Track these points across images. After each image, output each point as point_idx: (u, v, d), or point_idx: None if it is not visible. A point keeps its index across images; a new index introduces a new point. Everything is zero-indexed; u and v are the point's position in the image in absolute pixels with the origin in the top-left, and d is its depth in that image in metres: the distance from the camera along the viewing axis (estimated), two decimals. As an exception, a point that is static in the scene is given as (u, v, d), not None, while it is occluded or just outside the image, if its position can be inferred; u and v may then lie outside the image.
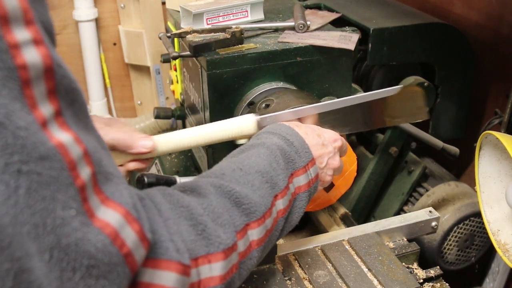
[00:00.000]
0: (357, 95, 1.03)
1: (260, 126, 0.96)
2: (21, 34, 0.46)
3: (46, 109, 0.47)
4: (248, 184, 0.74)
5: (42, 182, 0.46)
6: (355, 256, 0.99)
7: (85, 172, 0.49)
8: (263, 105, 1.10)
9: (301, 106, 1.04)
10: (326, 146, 0.90)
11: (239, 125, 0.95)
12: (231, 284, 0.69)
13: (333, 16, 1.37)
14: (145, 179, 0.99)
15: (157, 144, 0.92)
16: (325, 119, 1.00)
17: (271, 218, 0.76)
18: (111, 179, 0.53)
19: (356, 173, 1.09)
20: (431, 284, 1.01)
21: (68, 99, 0.50)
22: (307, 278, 0.94)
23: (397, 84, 1.39)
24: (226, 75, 1.12)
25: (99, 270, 0.49)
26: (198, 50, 1.12)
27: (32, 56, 0.46)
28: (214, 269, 0.65)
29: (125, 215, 0.53)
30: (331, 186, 1.08)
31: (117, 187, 0.53)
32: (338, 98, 1.23)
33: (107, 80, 2.33)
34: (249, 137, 0.95)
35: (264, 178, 0.77)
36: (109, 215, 0.51)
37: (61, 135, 0.48)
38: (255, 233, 0.73)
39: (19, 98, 0.45)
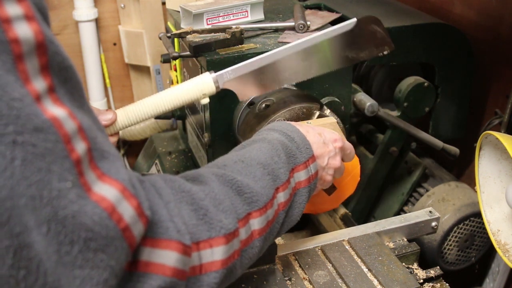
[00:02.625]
0: (313, 35, 1.01)
1: (218, 83, 0.95)
2: (12, 9, 0.46)
3: (39, 84, 0.48)
4: (250, 175, 0.75)
5: (37, 154, 0.46)
6: (355, 256, 0.99)
7: (80, 147, 0.49)
8: (263, 105, 1.10)
9: (302, 103, 1.04)
10: (327, 145, 0.90)
11: (197, 84, 0.94)
12: (232, 270, 0.69)
13: (333, 16, 1.37)
14: (145, 179, 0.98)
15: (118, 115, 0.91)
16: (286, 65, 0.99)
17: (272, 209, 0.76)
18: (107, 157, 0.53)
19: (359, 178, 1.08)
20: (431, 284, 1.01)
21: (62, 76, 0.51)
22: (307, 278, 0.94)
23: (396, 85, 1.39)
24: (226, 75, 1.12)
25: (96, 243, 0.49)
26: (198, 50, 1.12)
27: (24, 31, 0.46)
28: (215, 254, 0.65)
29: (122, 191, 0.53)
30: (333, 189, 1.07)
31: (113, 164, 0.53)
32: (338, 98, 1.23)
33: (107, 80, 2.33)
34: (209, 95, 0.95)
35: (266, 170, 0.77)
36: (105, 190, 0.51)
37: (55, 110, 0.48)
38: (256, 223, 0.73)
39: (13, 71, 0.46)
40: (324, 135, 0.91)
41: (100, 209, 0.50)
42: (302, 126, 0.90)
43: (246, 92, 0.99)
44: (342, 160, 0.95)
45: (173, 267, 0.59)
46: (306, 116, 1.07)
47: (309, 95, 1.14)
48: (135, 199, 0.54)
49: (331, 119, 1.05)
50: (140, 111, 0.93)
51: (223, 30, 1.16)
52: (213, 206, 0.67)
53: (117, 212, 0.51)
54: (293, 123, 0.92)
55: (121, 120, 0.91)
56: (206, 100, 0.95)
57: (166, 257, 0.58)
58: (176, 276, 0.59)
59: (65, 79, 0.51)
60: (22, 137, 0.45)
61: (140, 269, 0.57)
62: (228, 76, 0.96)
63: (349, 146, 0.96)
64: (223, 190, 0.70)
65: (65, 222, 0.47)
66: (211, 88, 0.94)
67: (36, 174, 0.46)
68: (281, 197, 0.79)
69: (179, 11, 1.31)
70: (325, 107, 1.11)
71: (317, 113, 1.07)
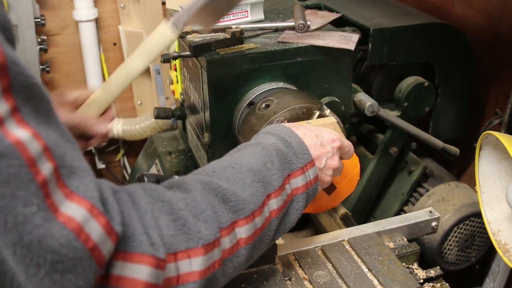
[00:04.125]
0: None
1: (177, 27, 0.94)
2: None
3: (2, 107, 0.48)
4: (238, 182, 0.74)
5: (1, 180, 0.46)
6: (355, 256, 0.99)
7: (46, 168, 0.50)
8: (263, 105, 1.10)
9: (301, 104, 1.04)
10: (325, 146, 0.89)
11: (157, 38, 0.94)
12: (213, 280, 0.69)
13: (333, 16, 1.37)
14: (145, 179, 0.99)
15: (97, 92, 0.96)
16: None
17: (262, 217, 0.75)
18: (76, 173, 0.53)
19: (359, 177, 1.08)
20: (431, 284, 1.01)
21: (25, 95, 0.50)
22: (307, 278, 0.94)
23: (396, 85, 1.39)
24: (226, 75, 1.12)
25: (64, 265, 0.49)
26: (198, 50, 1.12)
27: None
28: (193, 264, 0.64)
29: (90, 209, 0.53)
30: (332, 188, 1.07)
31: (82, 181, 0.53)
32: (338, 98, 1.23)
33: (107, 80, 2.33)
34: (172, 43, 0.96)
35: (256, 177, 0.76)
36: (73, 210, 0.51)
37: (19, 132, 0.48)
38: (243, 231, 0.72)
39: None
40: (321, 136, 0.90)
41: (67, 231, 0.50)
42: (299, 128, 0.89)
43: (209, 22, 0.98)
44: (341, 158, 0.95)
45: (145, 282, 0.58)
46: (306, 116, 1.07)
47: (309, 95, 1.14)
48: (104, 217, 0.54)
49: (331, 119, 1.05)
50: (111, 88, 0.96)
51: (223, 30, 1.16)
52: (192, 216, 0.66)
53: (84, 232, 0.51)
54: (290, 124, 0.91)
55: (101, 95, 0.97)
56: (172, 48, 0.97)
57: (138, 272, 0.58)
58: None
59: (29, 97, 0.51)
60: None
61: (111, 283, 0.57)
62: (185, 18, 0.94)
63: (347, 144, 0.95)
64: (206, 198, 0.69)
65: (31, 246, 0.47)
66: (171, 36, 0.94)
67: (0, 201, 0.46)
68: (274, 204, 0.78)
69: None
70: (325, 106, 1.11)
71: (317, 113, 1.07)
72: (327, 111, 1.10)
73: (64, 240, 0.49)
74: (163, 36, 0.94)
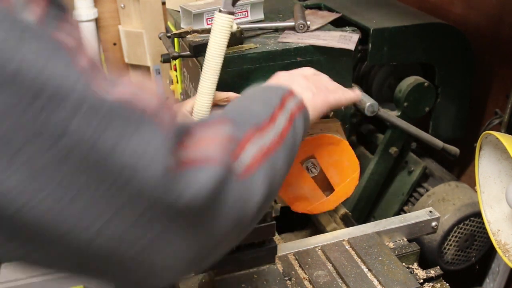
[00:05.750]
0: None
1: (227, 8, 0.96)
2: None
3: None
4: (245, 102, 0.77)
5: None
6: (355, 256, 0.99)
7: (82, 60, 0.50)
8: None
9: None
10: (291, 73, 0.91)
11: (219, 26, 0.96)
12: (275, 161, 0.69)
13: (333, 16, 1.37)
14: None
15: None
16: None
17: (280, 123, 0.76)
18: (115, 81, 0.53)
19: (358, 182, 1.08)
20: (431, 284, 1.01)
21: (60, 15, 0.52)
22: (307, 278, 0.94)
23: (396, 85, 1.39)
24: (226, 75, 1.12)
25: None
26: (198, 50, 1.12)
27: None
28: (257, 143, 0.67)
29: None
30: (331, 190, 1.07)
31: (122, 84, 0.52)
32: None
33: (107, 80, 2.33)
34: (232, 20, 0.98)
35: (259, 99, 0.78)
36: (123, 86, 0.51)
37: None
38: (282, 117, 0.75)
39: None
40: (292, 72, 0.92)
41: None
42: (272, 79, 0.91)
43: None
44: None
45: (227, 135, 0.61)
46: (306, 116, 1.07)
47: (309, 95, 1.14)
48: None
49: (335, 120, 1.05)
50: (207, 84, 0.98)
51: (223, 30, 1.16)
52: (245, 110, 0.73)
53: (138, 96, 0.51)
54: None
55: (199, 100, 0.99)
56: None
57: (218, 130, 0.61)
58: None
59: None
60: None
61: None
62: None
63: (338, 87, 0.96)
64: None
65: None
66: (233, 24, 0.97)
67: None
68: (282, 118, 0.76)
69: (179, 11, 1.31)
70: (326, 107, 1.11)
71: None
72: (331, 113, 1.10)
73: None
74: (222, 20, 0.96)
